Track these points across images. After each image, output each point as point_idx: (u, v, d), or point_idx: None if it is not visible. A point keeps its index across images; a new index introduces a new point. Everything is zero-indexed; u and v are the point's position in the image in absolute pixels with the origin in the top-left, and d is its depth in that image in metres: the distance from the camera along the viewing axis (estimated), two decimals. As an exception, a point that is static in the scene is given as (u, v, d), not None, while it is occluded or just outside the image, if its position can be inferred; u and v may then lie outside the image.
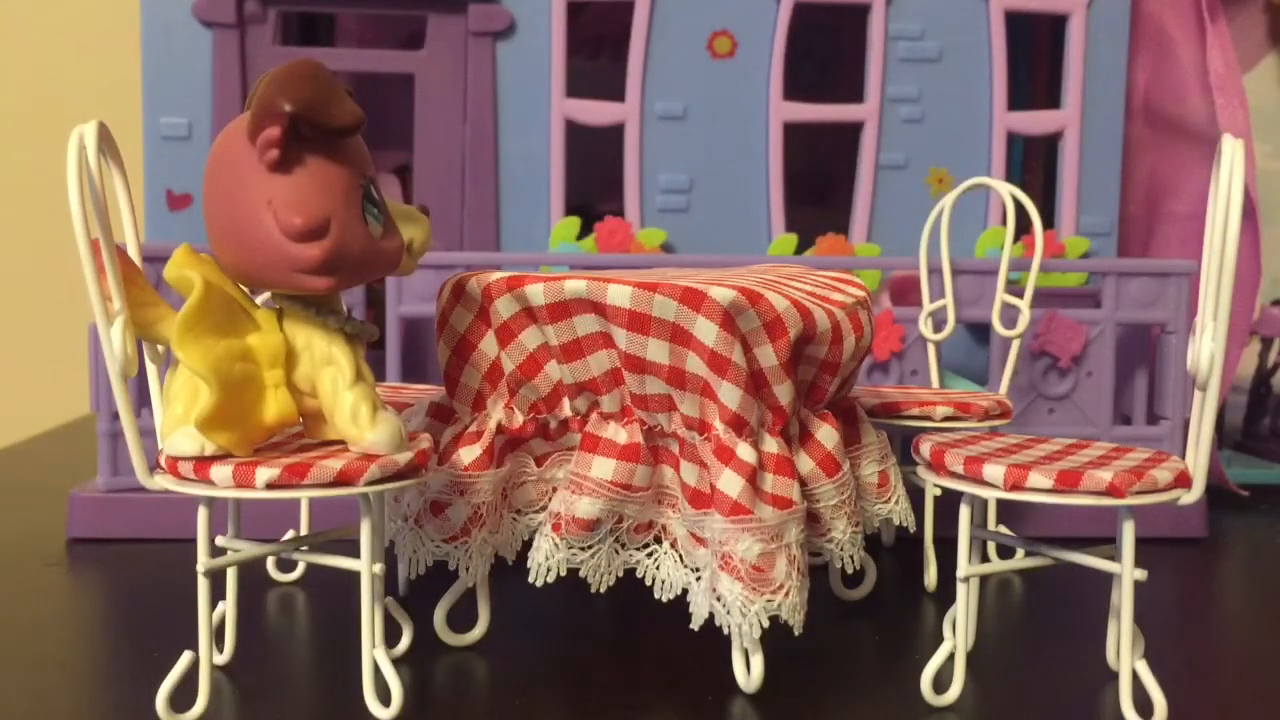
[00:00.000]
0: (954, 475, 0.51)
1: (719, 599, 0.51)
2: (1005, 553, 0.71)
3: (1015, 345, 0.76)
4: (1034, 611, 0.67)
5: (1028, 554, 0.54)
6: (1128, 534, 0.50)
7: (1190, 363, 0.49)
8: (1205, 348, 0.49)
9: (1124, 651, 0.50)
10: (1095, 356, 0.82)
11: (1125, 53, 0.88)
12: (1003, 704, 0.53)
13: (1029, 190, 0.86)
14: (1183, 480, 0.50)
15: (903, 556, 0.75)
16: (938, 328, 0.79)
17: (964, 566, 0.52)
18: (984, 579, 0.71)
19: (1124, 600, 0.50)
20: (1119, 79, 0.88)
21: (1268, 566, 0.79)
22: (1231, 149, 0.47)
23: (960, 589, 0.52)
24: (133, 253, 0.51)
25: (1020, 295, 0.76)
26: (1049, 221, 0.88)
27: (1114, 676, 0.53)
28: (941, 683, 0.52)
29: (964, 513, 0.52)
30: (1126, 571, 0.50)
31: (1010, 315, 0.77)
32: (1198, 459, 0.50)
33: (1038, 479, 0.49)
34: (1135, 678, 0.51)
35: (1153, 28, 0.94)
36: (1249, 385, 1.05)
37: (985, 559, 0.70)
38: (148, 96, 0.83)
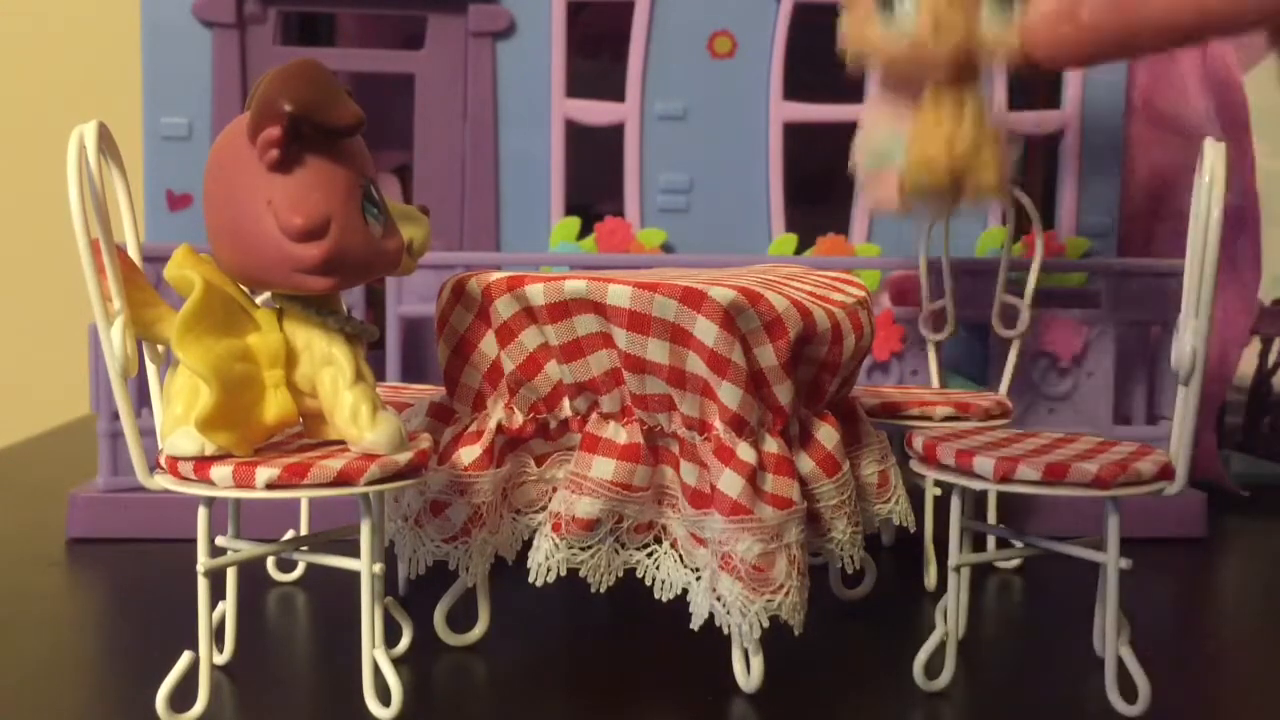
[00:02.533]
0: (945, 468, 0.52)
1: (719, 599, 0.51)
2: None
3: (1015, 345, 0.76)
4: (1031, 606, 0.67)
5: (1017, 545, 0.55)
6: (1113, 524, 0.51)
7: (1174, 359, 0.51)
8: (1187, 343, 0.50)
9: (1109, 638, 0.52)
10: (1095, 356, 0.82)
11: (1125, 52, 0.88)
12: (994, 689, 0.54)
13: (1029, 190, 0.86)
14: (1166, 473, 0.51)
15: (903, 556, 0.75)
16: (938, 328, 0.79)
17: (955, 556, 0.54)
18: (985, 578, 0.71)
19: (1109, 588, 0.52)
20: (1119, 79, 0.88)
21: (1268, 566, 0.79)
22: (1214, 153, 0.48)
23: (951, 578, 0.54)
24: (133, 253, 0.51)
25: (1020, 295, 0.76)
26: (1049, 221, 0.88)
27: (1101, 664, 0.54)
28: (932, 670, 0.53)
29: (955, 504, 0.54)
30: (1111, 560, 0.52)
31: (1010, 315, 0.77)
32: (1180, 451, 0.51)
33: (1026, 471, 0.50)
34: (1121, 664, 0.52)
35: (1153, 27, 0.94)
36: (1249, 385, 1.05)
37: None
38: (148, 96, 0.83)
